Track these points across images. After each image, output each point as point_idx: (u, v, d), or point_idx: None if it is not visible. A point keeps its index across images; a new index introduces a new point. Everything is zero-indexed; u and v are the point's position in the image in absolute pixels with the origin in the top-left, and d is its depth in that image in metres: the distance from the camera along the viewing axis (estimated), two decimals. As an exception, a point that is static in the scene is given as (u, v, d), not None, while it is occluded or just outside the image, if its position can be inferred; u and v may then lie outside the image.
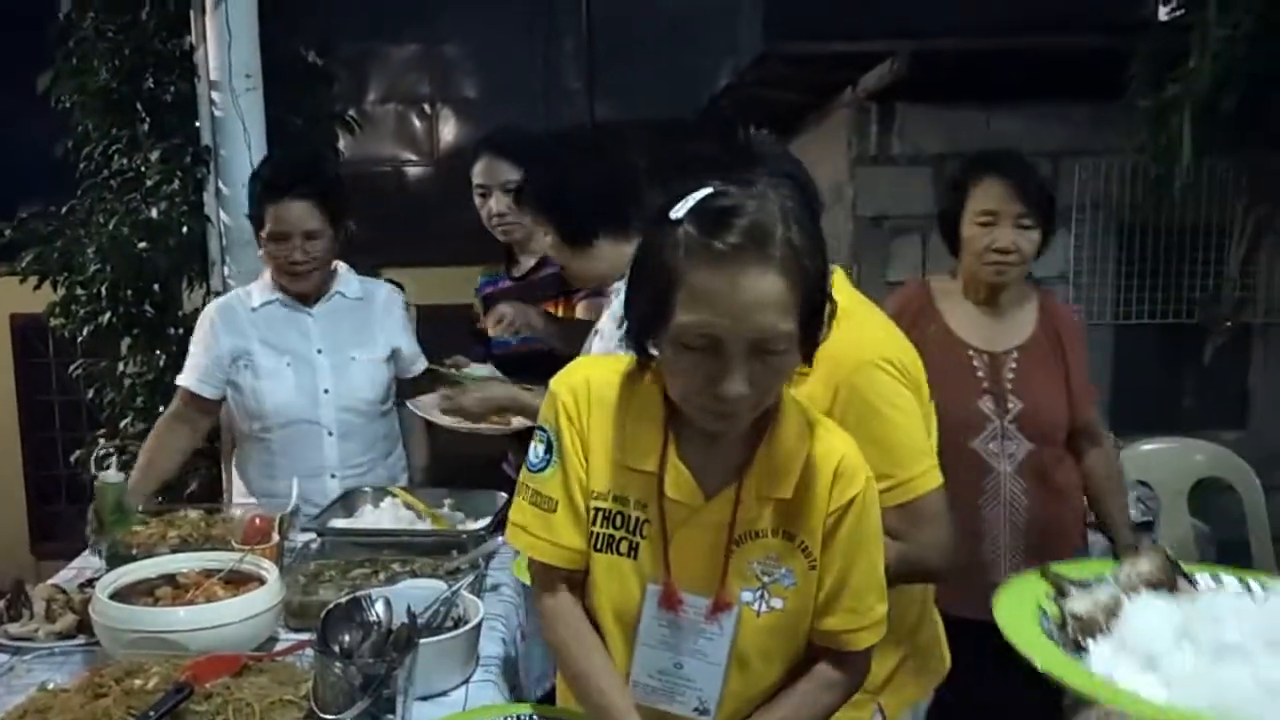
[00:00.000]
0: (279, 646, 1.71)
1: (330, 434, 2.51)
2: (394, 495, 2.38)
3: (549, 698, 1.67)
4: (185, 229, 3.57)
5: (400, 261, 4.70)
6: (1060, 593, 1.16)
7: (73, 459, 3.71)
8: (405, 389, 2.68)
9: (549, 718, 1.52)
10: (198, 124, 3.55)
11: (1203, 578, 1.16)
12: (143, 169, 3.63)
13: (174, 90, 3.60)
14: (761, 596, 1.31)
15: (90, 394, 3.90)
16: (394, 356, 2.62)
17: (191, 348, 2.55)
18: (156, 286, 3.67)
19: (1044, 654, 0.98)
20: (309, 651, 1.57)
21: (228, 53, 3.38)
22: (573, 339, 2.23)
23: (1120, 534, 2.45)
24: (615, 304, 1.94)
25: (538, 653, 2.00)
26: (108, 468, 2.20)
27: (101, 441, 3.53)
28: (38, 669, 1.68)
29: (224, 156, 3.49)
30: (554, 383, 1.37)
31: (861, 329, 1.56)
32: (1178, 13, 3.27)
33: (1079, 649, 1.05)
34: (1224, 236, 4.04)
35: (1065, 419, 2.35)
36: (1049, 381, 2.35)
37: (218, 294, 3.29)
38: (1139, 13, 3.42)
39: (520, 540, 1.35)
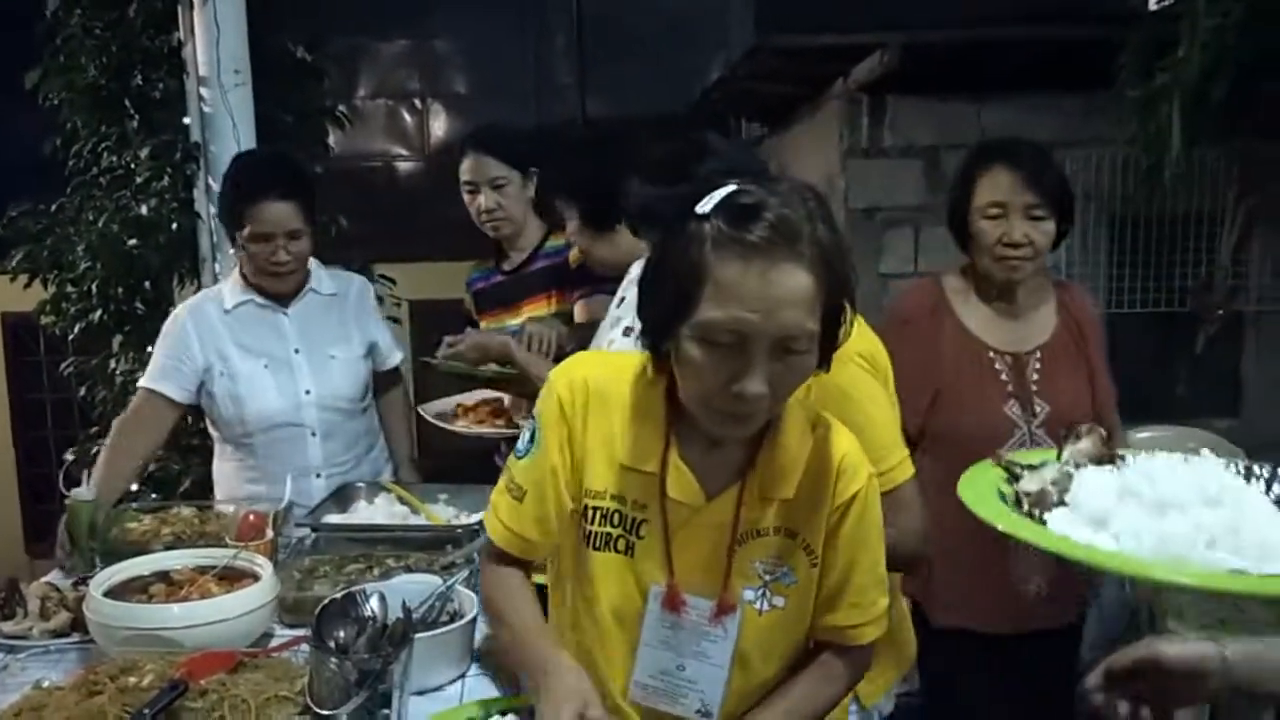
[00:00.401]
0: (274, 642, 1.71)
1: (314, 434, 2.48)
2: (388, 490, 2.38)
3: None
4: (175, 226, 3.56)
5: (391, 257, 4.69)
6: (1013, 477, 1.24)
7: (65, 457, 3.69)
8: (382, 382, 2.67)
9: None
10: (187, 120, 3.53)
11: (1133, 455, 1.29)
12: (132, 166, 3.62)
13: (162, 87, 3.59)
14: (763, 595, 1.31)
15: (82, 392, 3.89)
16: (371, 351, 2.61)
17: (157, 348, 2.47)
18: (147, 283, 3.67)
19: (1009, 522, 1.09)
20: (304, 647, 1.57)
21: (216, 48, 3.37)
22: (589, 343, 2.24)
23: None
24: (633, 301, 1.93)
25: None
26: (79, 480, 2.12)
27: (70, 452, 3.49)
28: (32, 667, 1.68)
29: (213, 152, 3.48)
30: (553, 375, 1.36)
31: None
32: (1167, 2, 3.27)
33: (1036, 521, 1.18)
34: (1215, 225, 4.05)
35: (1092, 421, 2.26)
36: (1074, 381, 2.20)
37: (208, 291, 3.27)
38: (1129, 3, 3.41)
39: (489, 521, 1.39)
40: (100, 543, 2.03)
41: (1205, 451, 1.10)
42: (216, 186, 3.49)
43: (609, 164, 2.01)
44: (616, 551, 1.31)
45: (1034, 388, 2.17)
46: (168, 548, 1.97)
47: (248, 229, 2.36)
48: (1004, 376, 2.17)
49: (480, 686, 1.62)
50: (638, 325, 1.84)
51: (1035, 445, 2.12)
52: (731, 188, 1.18)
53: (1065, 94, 4.12)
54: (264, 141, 3.51)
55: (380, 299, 4.08)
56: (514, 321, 2.64)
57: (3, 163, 4.52)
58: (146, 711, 1.36)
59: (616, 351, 1.66)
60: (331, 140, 4.29)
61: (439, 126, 7.23)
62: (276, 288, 2.47)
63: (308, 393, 2.47)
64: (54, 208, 3.80)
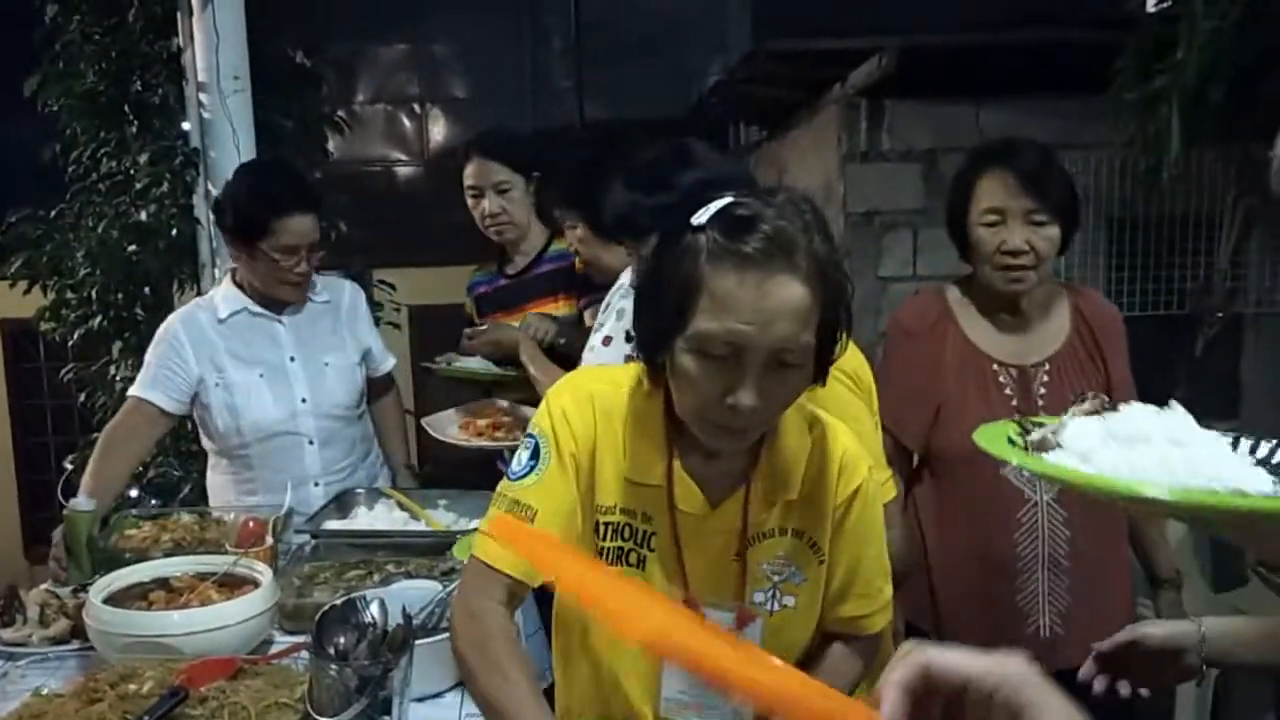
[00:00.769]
0: (274, 649, 1.71)
1: (311, 442, 2.47)
2: (388, 496, 2.38)
3: (547, 694, 1.67)
4: (175, 231, 3.56)
5: (390, 262, 4.69)
6: (1024, 430, 1.29)
7: (65, 465, 3.69)
8: (376, 388, 2.66)
9: None
10: (186, 126, 3.53)
11: None
12: (131, 172, 3.62)
13: (162, 92, 3.58)
14: (773, 596, 1.32)
15: (82, 398, 3.88)
16: (365, 358, 2.61)
17: (149, 357, 2.44)
18: (147, 289, 3.67)
19: (1012, 454, 1.16)
20: (304, 654, 1.57)
21: (215, 54, 3.37)
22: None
23: (1160, 565, 2.16)
24: (623, 305, 1.93)
25: (534, 651, 2.00)
26: (77, 490, 2.12)
27: (69, 460, 3.48)
28: (32, 674, 1.68)
29: (213, 158, 3.47)
30: (553, 392, 1.35)
31: None
32: (1164, 4, 3.27)
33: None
34: (1214, 227, 4.05)
35: None
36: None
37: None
38: (1126, 6, 3.42)
39: (487, 551, 1.28)
40: (94, 553, 2.02)
41: (1174, 403, 1.16)
42: (216, 192, 3.50)
43: (609, 171, 2.01)
44: (629, 565, 1.30)
45: (1040, 401, 2.05)
46: (167, 554, 1.97)
47: (275, 240, 2.35)
48: (1008, 390, 2.06)
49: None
50: (617, 334, 1.87)
51: None
52: (728, 199, 1.17)
53: (1063, 97, 4.12)
54: (263, 147, 3.51)
55: (380, 305, 4.11)
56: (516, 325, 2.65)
57: (2, 169, 4.51)
58: (146, 719, 1.36)
59: (610, 365, 1.66)
60: (330, 145, 4.30)
61: (438, 131, 7.23)
62: (289, 297, 2.47)
63: (304, 401, 2.46)
64: (53, 214, 3.79)
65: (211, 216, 3.52)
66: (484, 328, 2.64)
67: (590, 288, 2.47)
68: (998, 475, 1.99)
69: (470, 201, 2.77)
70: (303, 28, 4.08)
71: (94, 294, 3.64)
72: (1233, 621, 1.30)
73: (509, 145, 2.74)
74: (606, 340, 1.87)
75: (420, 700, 1.54)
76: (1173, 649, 1.30)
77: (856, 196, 4.49)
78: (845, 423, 1.48)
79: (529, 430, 1.33)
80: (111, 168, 3.69)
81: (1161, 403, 1.18)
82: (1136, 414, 1.16)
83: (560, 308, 2.67)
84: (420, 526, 2.25)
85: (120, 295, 3.65)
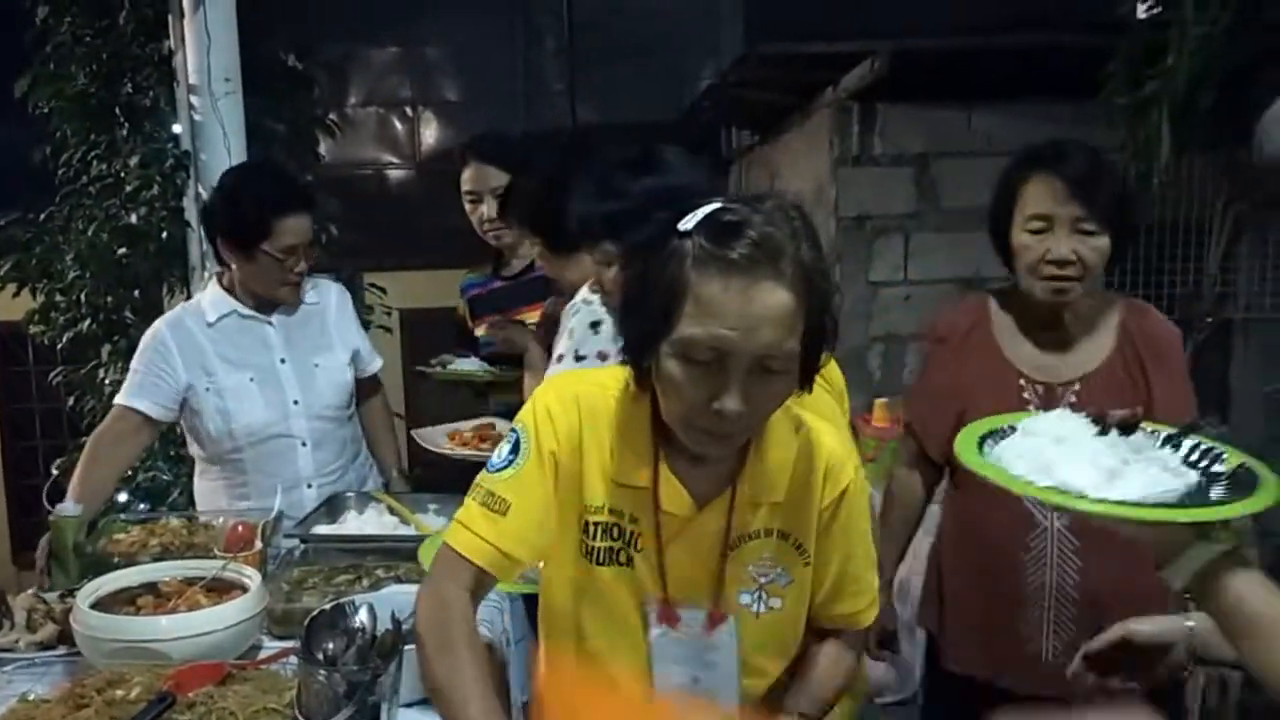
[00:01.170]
0: (262, 654, 1.70)
1: (304, 444, 2.46)
2: (378, 500, 2.38)
3: (525, 708, 1.67)
4: (165, 234, 3.55)
5: (382, 265, 4.68)
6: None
7: (53, 468, 3.68)
8: (363, 389, 2.66)
9: None
10: (177, 129, 3.52)
11: None
12: (122, 174, 3.61)
13: (152, 95, 3.58)
14: (759, 598, 1.32)
15: (71, 402, 3.87)
16: (354, 359, 2.60)
17: (136, 364, 2.42)
18: (137, 293, 3.65)
19: (964, 447, 1.26)
20: (293, 659, 1.56)
21: (206, 57, 3.36)
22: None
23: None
24: (573, 324, 1.96)
25: (520, 658, 1.99)
26: (64, 495, 2.10)
27: (56, 465, 3.47)
28: (18, 680, 1.67)
29: (204, 161, 3.46)
30: (539, 392, 1.35)
31: None
32: (1155, 10, 3.28)
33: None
34: (1203, 233, 4.06)
35: None
36: None
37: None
38: (1118, 11, 3.43)
39: (459, 538, 1.29)
40: (80, 558, 2.01)
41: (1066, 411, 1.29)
42: (206, 195, 3.49)
43: (555, 183, 2.02)
44: (619, 564, 1.31)
45: None
46: (155, 559, 1.95)
47: (278, 240, 2.34)
48: (1032, 408, 1.88)
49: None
50: (568, 353, 1.88)
51: None
52: (715, 205, 1.18)
53: (1054, 101, 4.13)
54: (254, 150, 3.50)
55: (371, 308, 4.10)
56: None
57: (-9, 171, 4.50)
58: (134, 725, 1.36)
59: (597, 369, 1.66)
60: (322, 148, 4.29)
61: (430, 134, 7.23)
62: (290, 298, 2.47)
63: (296, 403, 2.45)
64: (43, 217, 3.78)
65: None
66: (505, 321, 2.65)
67: None
68: (1008, 494, 1.90)
69: (468, 207, 2.77)
70: (294, 30, 4.08)
71: (83, 297, 3.63)
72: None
73: (506, 149, 2.74)
74: (559, 359, 1.90)
75: (409, 706, 1.53)
76: (1161, 644, 1.32)
77: (848, 200, 4.51)
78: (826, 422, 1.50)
79: (513, 424, 1.34)
80: (102, 170, 3.68)
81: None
82: (1052, 416, 1.28)
83: None
84: (410, 531, 2.25)
85: (110, 298, 3.64)
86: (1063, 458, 1.18)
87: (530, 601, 1.56)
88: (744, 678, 1.34)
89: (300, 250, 2.38)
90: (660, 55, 6.55)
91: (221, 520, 2.15)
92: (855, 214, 4.50)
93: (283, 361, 2.46)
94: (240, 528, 2.02)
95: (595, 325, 1.90)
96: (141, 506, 3.21)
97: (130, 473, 3.50)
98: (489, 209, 2.70)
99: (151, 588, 1.79)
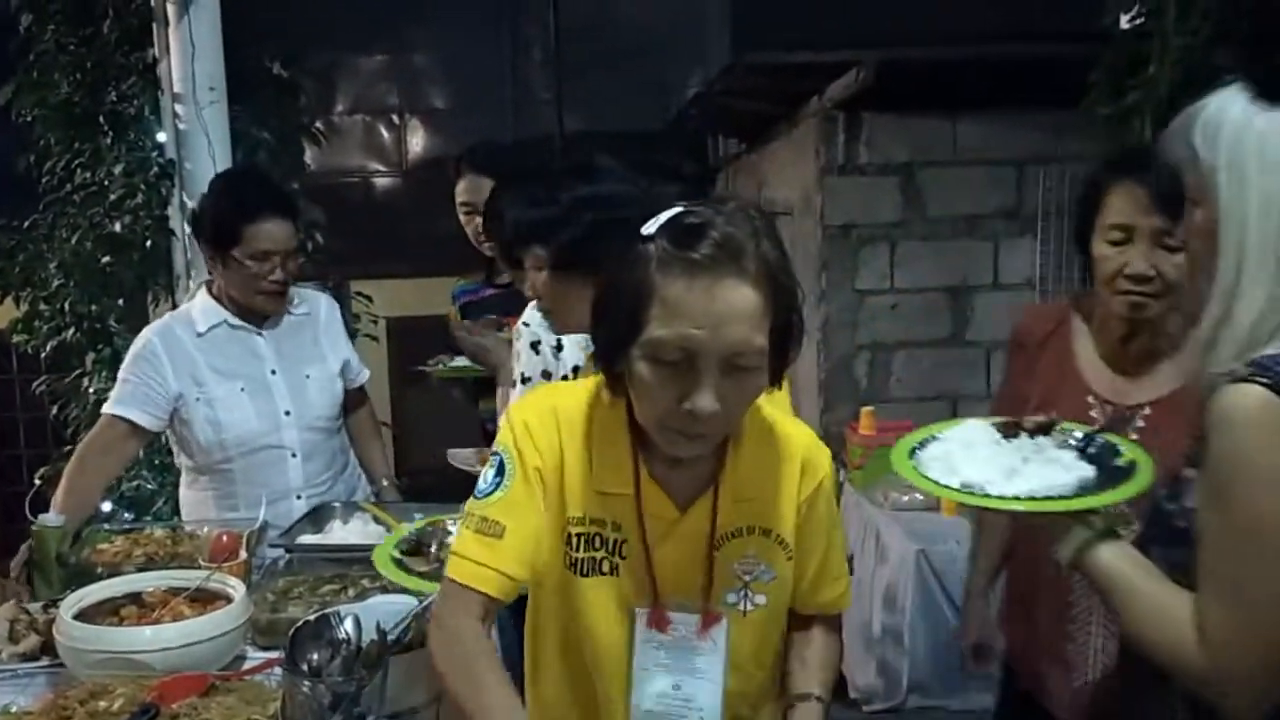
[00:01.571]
0: (247, 665, 1.69)
1: (294, 455, 2.45)
2: (363, 510, 2.37)
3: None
4: (149, 243, 3.54)
5: (369, 274, 4.68)
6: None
7: (38, 477, 3.65)
8: (352, 400, 2.65)
9: None
10: (161, 137, 3.51)
11: None
12: (106, 183, 3.60)
13: (137, 103, 3.57)
14: (744, 596, 1.33)
15: (55, 410, 3.85)
16: (344, 369, 2.59)
17: (126, 374, 2.39)
18: (121, 301, 3.64)
19: (898, 458, 1.42)
20: (278, 670, 1.56)
21: (191, 65, 3.35)
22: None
23: None
24: (518, 348, 2.00)
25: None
26: (46, 505, 2.09)
27: (39, 476, 3.45)
28: (1, 691, 1.66)
29: (188, 170, 3.46)
30: (514, 410, 1.35)
31: None
32: (1138, 21, 3.31)
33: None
34: (1187, 241, 4.08)
35: None
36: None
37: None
38: (1100, 22, 3.46)
39: (460, 570, 1.28)
40: (64, 569, 2.00)
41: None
42: (191, 203, 3.47)
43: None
44: (603, 574, 1.31)
45: None
46: (139, 569, 1.95)
47: (249, 246, 2.32)
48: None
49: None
50: (519, 378, 1.90)
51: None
52: (678, 209, 1.20)
53: (1038, 111, 4.16)
54: (240, 159, 3.50)
55: (358, 316, 4.09)
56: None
57: (-25, 180, 4.48)
58: (116, 737, 1.35)
59: (568, 382, 1.68)
60: (308, 156, 4.28)
61: (417, 142, 7.23)
62: (268, 308, 2.44)
63: (287, 414, 2.44)
64: (27, 225, 3.76)
65: (187, 228, 3.51)
66: (478, 327, 2.58)
67: None
68: None
69: (463, 218, 2.77)
70: (280, 38, 4.07)
71: (67, 305, 3.62)
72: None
73: (500, 160, 2.75)
74: (514, 384, 1.95)
75: (394, 717, 1.53)
76: None
77: (834, 209, 4.52)
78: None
79: (494, 448, 1.33)
80: (86, 179, 3.66)
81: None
82: (965, 424, 1.45)
83: None
84: (396, 540, 2.24)
85: (94, 307, 3.62)
86: (968, 460, 1.35)
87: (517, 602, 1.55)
88: (731, 679, 1.34)
89: (276, 258, 2.35)
90: (647, 64, 6.57)
91: (206, 530, 2.14)
92: (841, 223, 4.51)
93: (273, 372, 2.45)
94: (225, 538, 2.02)
95: (535, 346, 1.96)
96: (126, 516, 3.19)
97: (115, 482, 3.48)
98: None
99: (135, 598, 1.79)
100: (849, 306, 4.54)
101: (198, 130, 3.39)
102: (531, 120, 6.95)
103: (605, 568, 1.31)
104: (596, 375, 1.32)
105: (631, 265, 1.18)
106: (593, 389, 1.33)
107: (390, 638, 1.48)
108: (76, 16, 3.61)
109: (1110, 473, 1.33)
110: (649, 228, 1.19)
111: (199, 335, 2.41)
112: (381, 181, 7.25)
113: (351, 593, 1.91)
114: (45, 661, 1.75)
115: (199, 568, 1.90)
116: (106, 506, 3.07)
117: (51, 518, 2.06)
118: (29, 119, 3.68)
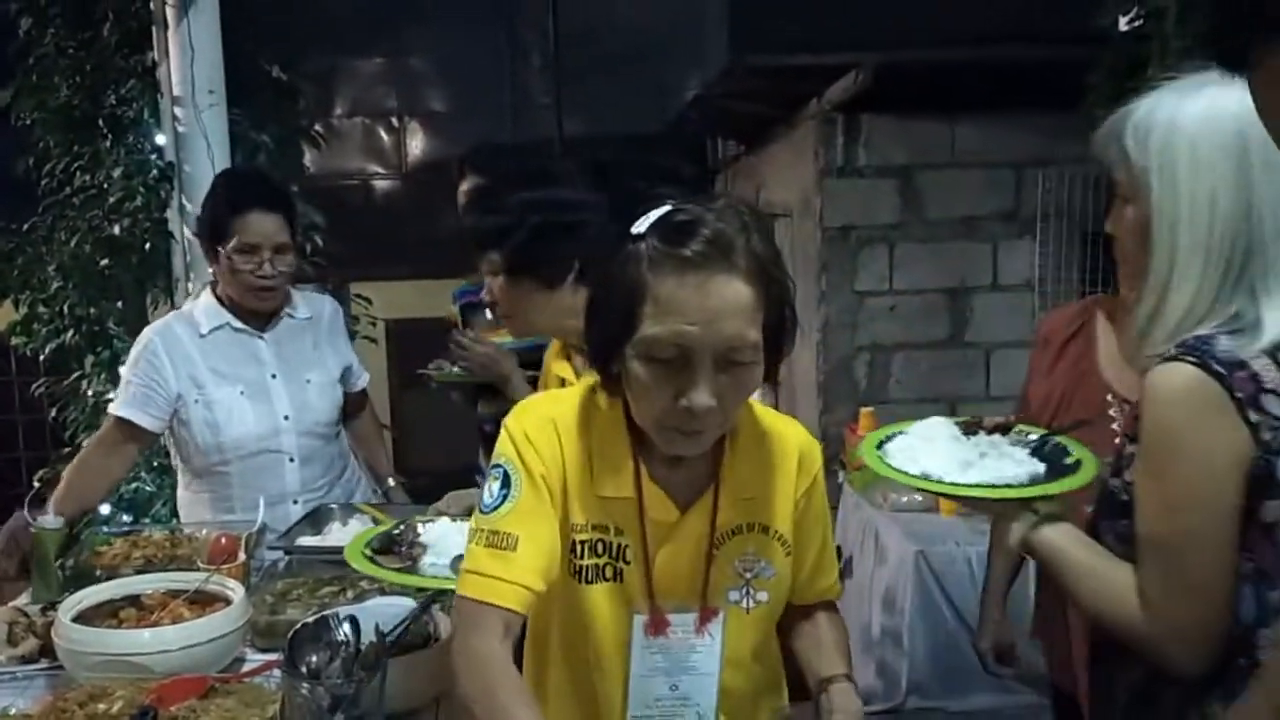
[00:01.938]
0: (246, 667, 1.69)
1: (292, 460, 2.44)
2: (362, 512, 2.36)
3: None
4: (149, 246, 3.54)
5: (368, 276, 4.68)
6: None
7: (36, 479, 3.65)
8: (353, 404, 2.65)
9: None
10: (161, 140, 3.51)
11: None
12: (105, 186, 3.60)
13: (136, 106, 3.57)
14: (746, 593, 1.34)
15: (54, 413, 3.85)
16: (344, 374, 2.59)
17: (128, 374, 2.40)
18: (120, 304, 3.64)
19: (867, 449, 1.51)
20: (276, 672, 1.56)
21: (190, 68, 3.35)
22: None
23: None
24: None
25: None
26: (44, 506, 2.08)
27: (38, 478, 3.44)
28: (0, 694, 1.66)
29: (187, 173, 3.46)
30: (511, 421, 1.32)
31: None
32: (1137, 23, 3.31)
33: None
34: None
35: None
36: None
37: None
38: (1099, 24, 3.46)
39: (473, 587, 1.23)
40: (62, 573, 2.00)
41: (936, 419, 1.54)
42: (190, 207, 3.48)
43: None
44: (606, 580, 1.30)
45: None
46: (138, 571, 1.94)
47: (234, 240, 2.31)
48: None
49: (456, 711, 1.61)
50: None
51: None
52: (666, 208, 1.20)
53: (1037, 113, 4.17)
54: (239, 162, 3.50)
55: (357, 319, 4.09)
56: (497, 338, 2.64)
57: (-26, 182, 4.48)
58: (115, 739, 1.35)
59: (558, 390, 1.69)
60: (308, 159, 4.29)
61: (416, 145, 7.24)
62: (260, 305, 2.42)
63: (286, 418, 2.44)
64: (26, 227, 3.76)
65: (186, 231, 3.52)
66: (479, 340, 2.52)
67: None
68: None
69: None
70: (279, 41, 4.07)
71: (66, 308, 3.62)
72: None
73: (502, 161, 2.75)
74: None
75: (393, 718, 1.53)
76: None
77: (833, 211, 4.53)
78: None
79: (494, 461, 1.31)
80: (85, 181, 3.66)
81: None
82: (928, 421, 1.55)
83: None
84: (395, 542, 2.23)
85: (93, 310, 3.62)
86: (928, 452, 1.45)
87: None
88: (731, 674, 1.35)
89: (264, 252, 2.33)
90: (646, 67, 6.58)
91: (205, 532, 2.14)
92: (840, 224, 4.52)
93: (274, 377, 2.44)
94: (224, 540, 2.01)
95: None
96: (124, 519, 3.19)
97: (118, 484, 3.49)
98: None
99: (134, 600, 1.78)
100: (848, 308, 4.54)
101: (197, 133, 3.40)
102: (530, 123, 6.96)
103: (608, 573, 1.30)
104: (584, 380, 1.33)
105: (622, 265, 1.19)
106: (583, 394, 1.33)
107: (389, 639, 1.49)
108: (76, 20, 3.61)
109: (1060, 470, 1.42)
110: (639, 226, 1.19)
111: (201, 336, 2.41)
112: (381, 184, 7.26)
113: (350, 595, 1.91)
114: (44, 664, 1.74)
115: (198, 570, 1.90)
116: (105, 509, 3.08)
117: (49, 520, 2.05)
118: (28, 122, 3.68)
